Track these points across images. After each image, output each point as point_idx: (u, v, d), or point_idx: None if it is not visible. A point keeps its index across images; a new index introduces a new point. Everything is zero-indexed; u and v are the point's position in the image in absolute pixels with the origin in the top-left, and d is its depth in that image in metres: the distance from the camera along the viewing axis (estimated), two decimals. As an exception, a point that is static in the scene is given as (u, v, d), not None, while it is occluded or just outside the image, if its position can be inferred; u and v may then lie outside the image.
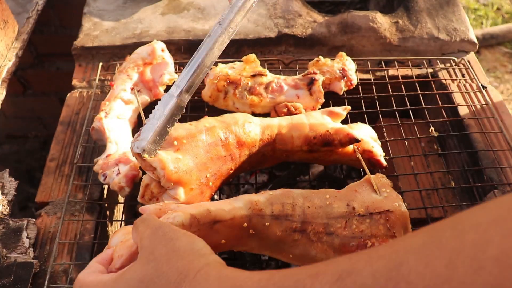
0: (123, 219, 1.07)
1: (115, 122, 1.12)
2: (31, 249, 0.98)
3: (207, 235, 0.83)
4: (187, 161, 0.92)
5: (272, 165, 1.07)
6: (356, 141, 1.01)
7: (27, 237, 0.99)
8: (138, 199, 0.95)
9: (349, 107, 1.11)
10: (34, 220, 1.03)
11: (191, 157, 0.92)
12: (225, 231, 0.85)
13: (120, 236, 0.81)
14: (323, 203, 0.89)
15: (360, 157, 0.99)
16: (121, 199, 1.19)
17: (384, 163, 1.06)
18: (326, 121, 1.05)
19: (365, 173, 0.96)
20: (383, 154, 1.07)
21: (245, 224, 0.86)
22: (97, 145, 1.15)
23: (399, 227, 0.86)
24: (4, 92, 1.25)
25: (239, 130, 0.98)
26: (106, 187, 1.13)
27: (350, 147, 1.04)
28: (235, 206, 0.86)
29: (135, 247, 0.71)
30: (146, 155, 0.86)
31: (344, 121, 1.13)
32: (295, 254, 0.88)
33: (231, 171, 0.98)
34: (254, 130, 1.00)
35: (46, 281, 0.92)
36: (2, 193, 1.05)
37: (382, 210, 0.86)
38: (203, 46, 0.95)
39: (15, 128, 2.22)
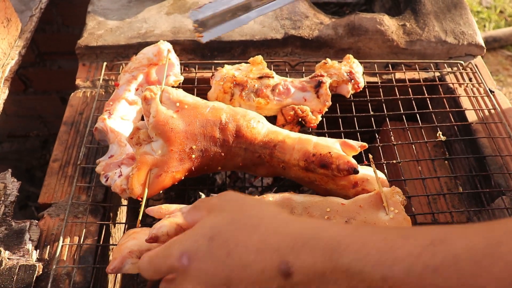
0: (126, 221, 1.05)
1: (118, 123, 1.10)
2: (34, 251, 0.97)
3: None
4: (178, 122, 0.93)
5: (267, 175, 1.03)
6: (355, 171, 0.91)
7: (29, 239, 0.98)
8: (127, 139, 0.98)
9: (366, 145, 1.00)
10: (36, 221, 1.02)
11: (184, 122, 0.94)
12: None
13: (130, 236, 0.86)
14: (322, 216, 0.85)
15: (374, 167, 0.93)
16: (124, 201, 1.17)
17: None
18: (334, 146, 0.97)
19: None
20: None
21: None
22: (101, 146, 1.14)
23: None
24: (7, 91, 1.24)
25: (243, 122, 0.97)
26: (110, 188, 1.11)
27: (351, 181, 0.95)
28: None
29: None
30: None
31: (352, 121, 1.11)
32: None
33: (219, 156, 0.96)
34: (258, 127, 0.98)
35: (49, 285, 0.91)
36: (5, 194, 1.04)
37: None
38: None
39: (15, 126, 2.20)
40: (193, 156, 0.94)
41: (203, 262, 0.61)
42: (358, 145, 0.98)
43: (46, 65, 1.99)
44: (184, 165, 0.93)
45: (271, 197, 0.90)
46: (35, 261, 0.95)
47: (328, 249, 0.53)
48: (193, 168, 0.94)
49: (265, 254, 0.57)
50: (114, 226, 1.18)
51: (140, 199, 0.92)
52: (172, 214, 0.85)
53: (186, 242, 0.65)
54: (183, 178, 0.95)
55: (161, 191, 0.95)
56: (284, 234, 0.58)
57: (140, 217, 0.89)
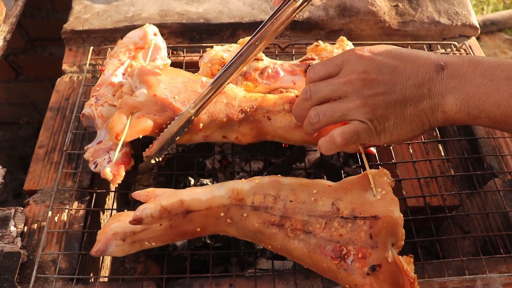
0: (114, 207, 1.04)
1: (106, 108, 1.08)
2: (19, 238, 0.95)
3: (180, 224, 0.85)
4: (162, 75, 0.97)
5: (251, 136, 1.02)
6: None
7: (14, 226, 0.96)
8: (110, 95, 1.04)
9: None
10: (22, 208, 1.00)
11: (168, 77, 0.98)
12: (199, 220, 0.85)
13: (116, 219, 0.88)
14: (308, 198, 0.84)
15: (362, 150, 0.93)
16: (112, 187, 1.16)
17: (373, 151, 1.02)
18: None
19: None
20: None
21: (222, 214, 0.85)
22: (87, 132, 1.12)
23: (384, 236, 0.78)
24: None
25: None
26: (96, 175, 1.10)
27: None
28: (215, 194, 0.86)
29: None
30: (152, 161, 0.97)
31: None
32: (274, 246, 0.86)
33: None
34: (238, 89, 1.02)
35: (34, 271, 0.90)
36: (-11, 181, 1.02)
37: (368, 216, 0.79)
38: (231, 66, 0.93)
39: (8, 114, 2.18)
40: (176, 105, 0.95)
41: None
42: None
43: (37, 51, 1.96)
44: (166, 112, 0.94)
45: (258, 179, 0.89)
46: (20, 248, 0.94)
47: (472, 59, 0.76)
48: (174, 117, 0.95)
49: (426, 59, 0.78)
50: (103, 213, 1.16)
51: (119, 139, 0.93)
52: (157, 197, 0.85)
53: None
54: (164, 126, 0.96)
55: (141, 136, 0.95)
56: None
57: (115, 157, 0.94)
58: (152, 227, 0.85)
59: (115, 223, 0.87)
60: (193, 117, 0.94)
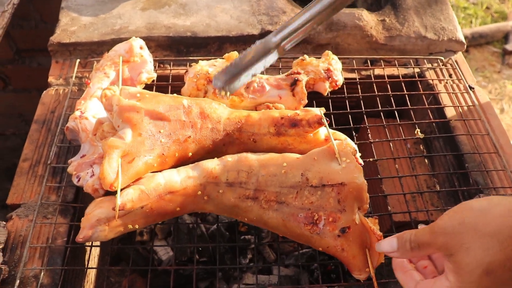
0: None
1: (90, 121, 1.07)
2: (0, 253, 0.94)
3: (160, 205, 0.88)
4: (142, 107, 0.94)
5: (240, 152, 1.01)
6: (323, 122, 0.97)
7: (-4, 241, 0.95)
8: (91, 134, 0.99)
9: (324, 109, 1.04)
10: (4, 223, 0.99)
11: (148, 107, 0.94)
12: (178, 200, 0.89)
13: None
14: (279, 171, 0.89)
15: (325, 121, 0.97)
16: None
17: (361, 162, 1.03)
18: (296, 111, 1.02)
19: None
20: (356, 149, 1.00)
21: (199, 192, 0.90)
22: (72, 145, 1.11)
23: (350, 201, 0.85)
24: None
25: (205, 105, 0.99)
26: (80, 188, 1.08)
27: (321, 137, 1.00)
28: (190, 175, 0.90)
29: None
30: (223, 93, 0.90)
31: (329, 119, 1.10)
32: (250, 218, 0.90)
33: (189, 138, 0.95)
34: (221, 108, 1.00)
35: (16, 287, 0.88)
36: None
37: (335, 183, 0.86)
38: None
39: (-5, 124, 2.16)
40: (162, 140, 0.93)
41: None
42: (318, 109, 1.02)
43: (25, 62, 1.95)
44: (155, 151, 0.92)
45: (230, 157, 0.93)
46: (1, 264, 0.92)
47: None
48: (163, 153, 0.93)
49: None
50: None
51: (114, 188, 0.86)
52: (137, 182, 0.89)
53: None
54: (156, 166, 0.92)
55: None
56: None
57: (117, 209, 0.85)
58: (134, 210, 0.87)
59: (97, 209, 0.88)
60: (275, 48, 0.88)
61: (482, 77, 2.99)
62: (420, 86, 1.30)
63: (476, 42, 3.16)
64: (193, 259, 1.15)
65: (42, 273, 0.92)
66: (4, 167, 2.16)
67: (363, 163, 1.03)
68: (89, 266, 1.05)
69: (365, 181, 0.87)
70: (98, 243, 1.06)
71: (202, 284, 1.21)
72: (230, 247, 1.27)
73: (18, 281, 0.90)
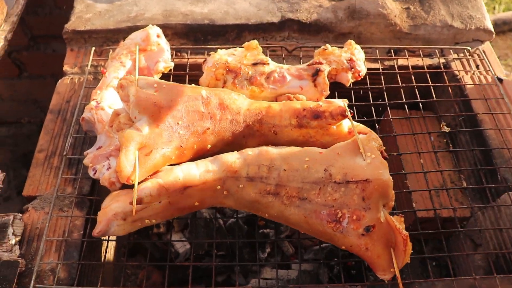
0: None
1: (106, 112, 1.05)
2: (17, 246, 0.93)
3: (179, 200, 0.87)
4: (160, 98, 0.91)
5: (260, 144, 0.99)
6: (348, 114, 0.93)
7: (13, 234, 0.94)
8: (107, 126, 0.96)
9: (347, 101, 1.00)
10: (20, 215, 0.98)
11: (166, 98, 0.91)
12: (197, 194, 0.87)
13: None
14: (301, 166, 0.86)
15: (349, 115, 0.93)
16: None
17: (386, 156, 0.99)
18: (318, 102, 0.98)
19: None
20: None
21: (219, 187, 0.87)
22: (88, 136, 1.09)
23: (375, 198, 0.82)
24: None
25: (225, 95, 0.95)
26: (97, 180, 1.07)
27: (345, 129, 0.96)
28: (209, 169, 0.88)
29: None
30: None
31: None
32: (271, 214, 0.88)
33: (208, 130, 0.92)
34: (240, 99, 0.97)
35: (32, 281, 0.87)
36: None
37: (360, 179, 0.83)
38: None
39: (11, 111, 2.16)
40: (180, 132, 0.90)
41: None
42: (342, 101, 0.98)
43: (40, 48, 1.94)
44: (173, 143, 0.89)
45: (250, 151, 0.90)
46: (18, 257, 0.91)
47: None
48: (182, 146, 0.90)
49: None
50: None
51: (131, 182, 0.84)
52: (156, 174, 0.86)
53: None
54: (174, 159, 0.90)
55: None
56: None
57: (135, 203, 0.82)
58: (152, 205, 0.86)
59: (114, 203, 0.86)
60: None
61: (504, 65, 2.91)
62: (445, 77, 1.25)
63: (499, 29, 3.06)
64: (211, 253, 1.13)
65: (59, 267, 0.91)
66: (21, 153, 2.17)
67: (388, 158, 1.00)
68: (106, 258, 1.04)
69: (391, 177, 0.84)
70: (114, 237, 1.04)
71: (219, 277, 1.20)
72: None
73: (35, 275, 0.88)
